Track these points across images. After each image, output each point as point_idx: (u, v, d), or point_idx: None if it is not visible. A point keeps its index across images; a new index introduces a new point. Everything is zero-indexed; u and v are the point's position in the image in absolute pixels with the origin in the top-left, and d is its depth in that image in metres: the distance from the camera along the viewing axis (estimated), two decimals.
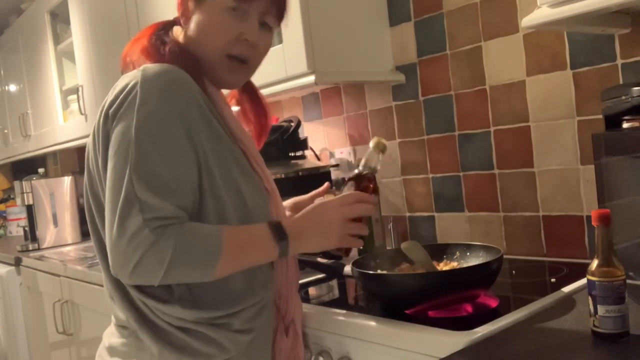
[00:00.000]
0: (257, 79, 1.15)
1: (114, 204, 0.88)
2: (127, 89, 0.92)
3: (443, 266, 1.23)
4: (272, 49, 1.10)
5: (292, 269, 1.10)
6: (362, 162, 1.13)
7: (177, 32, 1.06)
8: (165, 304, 0.95)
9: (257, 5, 1.00)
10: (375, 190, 1.14)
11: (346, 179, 1.14)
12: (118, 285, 0.98)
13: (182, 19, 1.05)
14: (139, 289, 0.96)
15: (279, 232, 0.97)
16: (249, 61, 1.03)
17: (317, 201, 1.12)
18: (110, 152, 0.91)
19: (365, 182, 1.11)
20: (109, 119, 0.93)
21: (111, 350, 1.02)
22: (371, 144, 1.13)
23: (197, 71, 0.99)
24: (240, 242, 0.94)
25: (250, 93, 1.18)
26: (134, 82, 0.92)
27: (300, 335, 1.12)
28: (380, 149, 1.13)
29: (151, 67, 0.94)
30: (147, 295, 0.95)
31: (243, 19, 1.00)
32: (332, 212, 1.01)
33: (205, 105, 0.96)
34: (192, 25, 1.02)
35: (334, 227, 1.01)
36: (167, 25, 1.07)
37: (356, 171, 1.13)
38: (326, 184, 1.25)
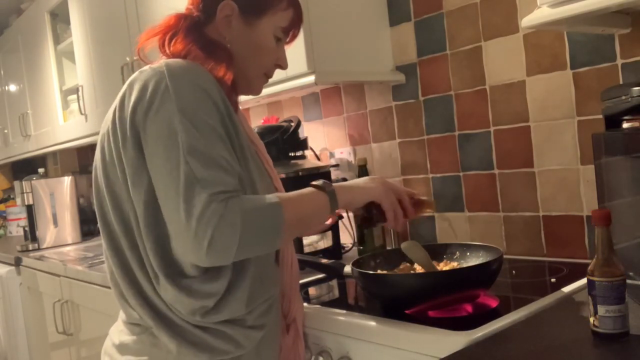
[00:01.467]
0: None
1: (175, 191, 0.88)
2: (154, 83, 0.92)
3: (443, 266, 1.23)
4: None
5: (295, 269, 1.12)
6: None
7: (212, 33, 1.06)
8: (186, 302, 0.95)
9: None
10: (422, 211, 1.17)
11: None
12: (132, 283, 0.98)
13: (220, 16, 1.06)
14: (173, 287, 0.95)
15: (324, 183, 1.02)
16: None
17: None
18: (155, 147, 0.91)
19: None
20: (137, 113, 0.93)
21: (122, 347, 1.02)
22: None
23: (232, 80, 1.02)
24: (294, 199, 0.98)
25: None
26: (160, 77, 0.93)
27: (301, 333, 1.14)
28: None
29: (174, 62, 0.96)
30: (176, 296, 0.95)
31: (279, 47, 1.12)
32: (376, 178, 1.11)
33: (223, 102, 0.98)
34: (235, 34, 1.06)
35: (379, 186, 1.08)
36: (196, 22, 1.07)
37: None
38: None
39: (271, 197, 0.93)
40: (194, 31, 1.05)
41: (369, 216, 1.12)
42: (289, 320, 1.11)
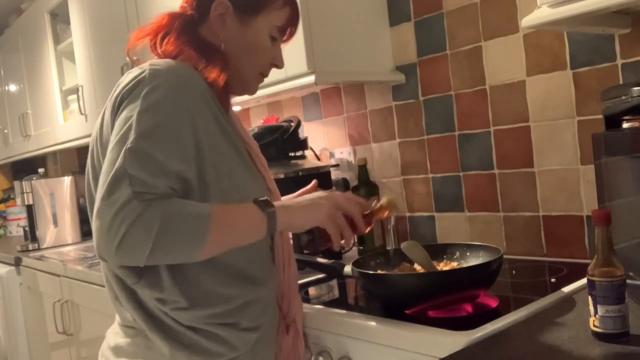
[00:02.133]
0: None
1: (104, 181, 0.86)
2: (135, 81, 0.92)
3: (443, 266, 1.23)
4: None
5: (293, 269, 1.11)
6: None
7: (206, 33, 1.05)
8: (178, 307, 0.94)
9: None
10: (377, 219, 1.12)
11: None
12: (124, 286, 0.98)
13: (214, 15, 1.04)
14: (151, 291, 0.95)
15: (265, 202, 0.96)
16: None
17: None
18: (112, 137, 0.90)
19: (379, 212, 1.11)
20: (115, 110, 0.93)
21: (117, 350, 1.02)
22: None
23: (225, 83, 1.00)
24: (228, 213, 0.93)
25: None
26: (143, 75, 0.92)
27: (301, 333, 1.13)
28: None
29: (160, 62, 0.96)
30: (160, 301, 0.95)
31: (275, 46, 1.10)
32: (325, 195, 1.04)
33: (212, 101, 0.97)
34: (229, 33, 1.05)
35: (324, 207, 1.01)
36: (182, 18, 1.05)
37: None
38: (314, 182, 1.25)
39: (203, 207, 0.89)
40: (187, 31, 1.04)
41: (312, 240, 1.08)
42: (288, 320, 1.10)
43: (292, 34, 1.13)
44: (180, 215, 0.86)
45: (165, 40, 1.02)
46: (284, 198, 1.23)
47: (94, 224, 0.86)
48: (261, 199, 0.96)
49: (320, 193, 1.05)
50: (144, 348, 0.98)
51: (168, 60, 0.97)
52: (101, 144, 0.97)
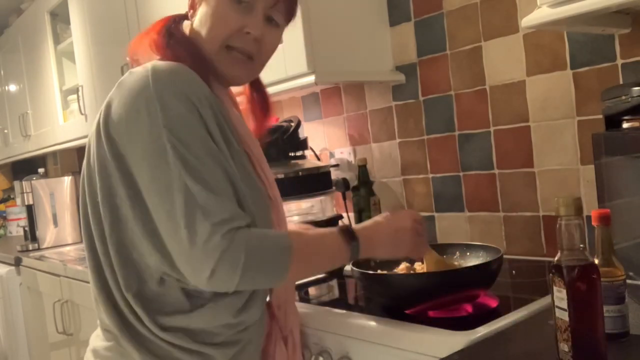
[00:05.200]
0: None
1: (170, 214, 0.85)
2: (138, 89, 0.89)
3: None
4: None
5: (290, 281, 1.09)
6: None
7: (186, 26, 1.04)
8: (158, 313, 0.93)
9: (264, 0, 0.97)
10: None
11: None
12: (103, 289, 0.96)
13: (189, 12, 1.03)
14: (134, 295, 0.93)
15: (349, 234, 0.97)
16: (253, 57, 1.00)
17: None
18: (142, 163, 0.88)
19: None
20: (120, 122, 0.90)
21: (95, 353, 1.00)
22: None
23: (204, 68, 0.96)
24: (310, 243, 0.95)
25: (259, 90, 1.16)
26: (145, 83, 0.88)
27: (298, 345, 1.11)
28: None
29: (160, 65, 0.91)
30: (139, 304, 0.93)
31: (247, 12, 0.97)
32: (405, 220, 1.04)
33: (215, 106, 0.93)
34: (197, 17, 1.00)
35: (407, 235, 1.03)
36: (178, 19, 1.05)
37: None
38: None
39: (282, 238, 0.91)
40: (174, 30, 1.01)
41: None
42: (286, 332, 1.08)
43: None
44: (262, 248, 0.88)
45: (159, 44, 0.99)
46: (367, 223, 1.09)
47: (180, 256, 0.86)
48: (345, 228, 0.97)
49: (403, 220, 1.05)
50: (118, 354, 0.96)
51: (167, 63, 0.92)
52: (98, 147, 0.94)
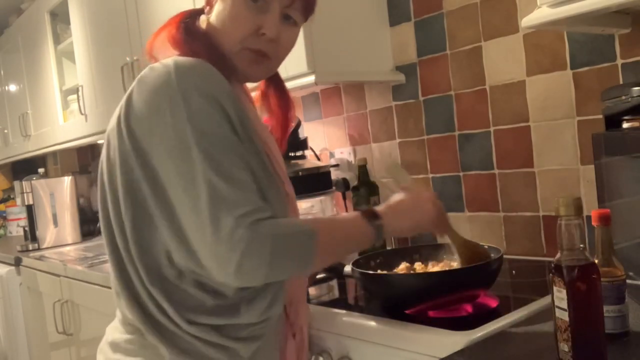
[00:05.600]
0: None
1: (195, 209, 0.85)
2: (160, 85, 0.89)
3: (443, 266, 1.23)
4: None
5: (302, 277, 1.09)
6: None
7: (202, 21, 1.03)
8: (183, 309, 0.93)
9: None
10: None
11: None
12: (126, 284, 0.96)
13: (206, 7, 1.03)
14: (159, 290, 0.93)
15: (371, 213, 0.98)
16: (269, 56, 0.99)
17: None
18: (166, 159, 0.88)
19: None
20: (143, 117, 0.89)
21: (114, 345, 1.00)
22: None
23: (222, 64, 0.95)
24: (333, 227, 0.95)
25: (276, 85, 1.14)
26: (167, 78, 0.88)
27: (306, 341, 1.11)
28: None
29: (182, 61, 0.91)
30: (164, 298, 0.93)
31: (263, 11, 0.96)
32: (424, 193, 1.06)
33: (235, 101, 0.93)
34: (213, 14, 1.00)
35: (429, 204, 1.04)
36: (195, 14, 1.04)
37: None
38: None
39: (306, 224, 0.90)
40: (191, 25, 1.01)
41: None
42: (295, 328, 1.07)
43: None
44: (286, 236, 0.87)
45: (177, 39, 0.99)
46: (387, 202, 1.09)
47: (205, 252, 0.86)
48: (367, 210, 0.98)
49: (422, 193, 1.07)
50: (140, 346, 0.96)
51: (188, 59, 0.92)
52: (119, 138, 0.93)
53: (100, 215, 1.00)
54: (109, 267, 1.02)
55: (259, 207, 0.86)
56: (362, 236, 0.97)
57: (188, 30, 1.00)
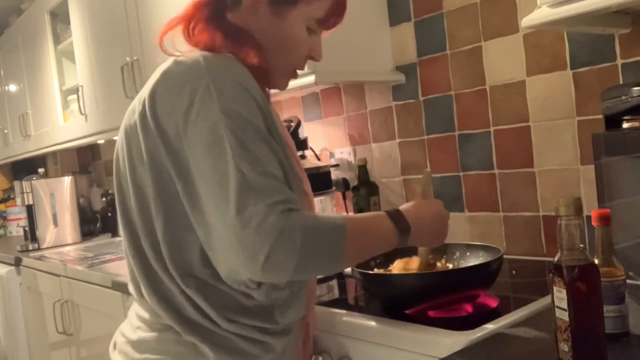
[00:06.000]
0: None
1: (224, 200, 0.81)
2: (191, 78, 0.87)
3: (443, 266, 1.23)
4: None
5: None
6: None
7: (237, 20, 0.99)
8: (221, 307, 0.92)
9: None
10: None
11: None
12: (155, 285, 0.94)
13: (246, 4, 0.98)
14: (195, 290, 0.91)
15: (402, 224, 0.97)
16: None
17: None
18: (199, 153, 0.85)
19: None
20: (175, 112, 0.87)
21: (140, 344, 0.97)
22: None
23: (258, 72, 0.95)
24: (362, 223, 0.94)
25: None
26: (199, 73, 0.87)
27: (312, 338, 1.11)
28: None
29: (210, 55, 0.91)
30: (201, 298, 0.92)
31: (312, 36, 1.01)
32: (441, 209, 1.08)
33: (264, 97, 0.93)
34: (265, 28, 0.98)
35: (444, 223, 1.06)
36: (211, 5, 0.99)
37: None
38: None
39: (335, 218, 0.88)
40: (215, 18, 0.98)
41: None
42: (308, 319, 1.07)
43: (335, 24, 1.03)
44: (317, 228, 0.85)
45: (196, 30, 0.97)
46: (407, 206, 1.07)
47: (229, 243, 0.82)
48: (395, 213, 0.97)
49: (439, 207, 1.08)
50: (173, 343, 0.93)
51: (216, 55, 0.91)
52: (144, 134, 0.90)
53: (119, 216, 0.98)
54: (127, 267, 0.99)
55: (291, 198, 0.84)
56: (386, 238, 0.96)
57: (234, 30, 0.97)
